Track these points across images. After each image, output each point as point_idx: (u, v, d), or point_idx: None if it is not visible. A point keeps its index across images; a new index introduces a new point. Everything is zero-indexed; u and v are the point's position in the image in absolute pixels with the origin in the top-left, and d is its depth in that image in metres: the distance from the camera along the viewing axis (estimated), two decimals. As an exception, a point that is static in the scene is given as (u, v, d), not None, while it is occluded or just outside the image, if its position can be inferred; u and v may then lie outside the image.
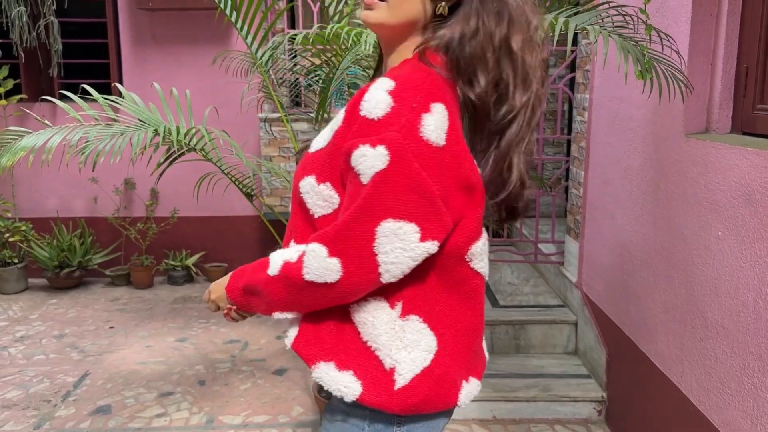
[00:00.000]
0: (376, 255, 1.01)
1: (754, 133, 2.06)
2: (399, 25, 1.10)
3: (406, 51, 1.12)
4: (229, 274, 1.20)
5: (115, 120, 2.04)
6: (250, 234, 4.99)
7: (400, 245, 1.00)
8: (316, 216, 1.10)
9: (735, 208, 1.93)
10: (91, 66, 4.93)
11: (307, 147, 1.17)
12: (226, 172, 2.32)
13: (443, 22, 1.09)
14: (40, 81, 4.91)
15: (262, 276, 1.12)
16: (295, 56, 3.24)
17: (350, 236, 1.01)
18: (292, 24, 4.79)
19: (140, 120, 2.06)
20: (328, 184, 1.08)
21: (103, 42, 4.82)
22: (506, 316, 3.34)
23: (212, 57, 3.75)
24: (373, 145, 0.99)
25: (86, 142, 1.90)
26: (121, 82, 4.86)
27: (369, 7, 1.10)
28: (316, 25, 2.18)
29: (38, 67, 4.81)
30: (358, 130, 1.01)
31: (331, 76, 2.49)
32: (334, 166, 1.06)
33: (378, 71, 1.26)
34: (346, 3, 2.31)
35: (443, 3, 1.08)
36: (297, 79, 3.50)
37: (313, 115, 2.79)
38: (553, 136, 3.84)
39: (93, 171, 1.99)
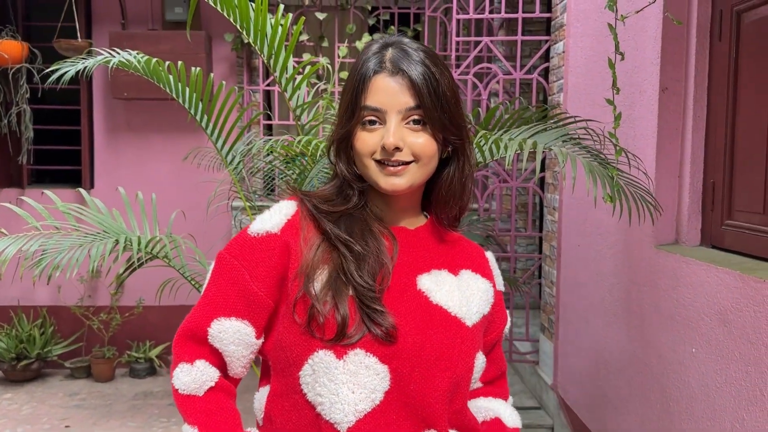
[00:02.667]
0: None
1: (724, 248, 2.07)
2: (424, 180, 1.07)
3: (419, 198, 1.12)
4: None
5: (76, 229, 1.98)
6: (218, 324, 4.84)
7: None
8: (472, 389, 1.15)
9: (708, 325, 1.91)
10: (63, 152, 4.89)
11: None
12: (189, 278, 2.25)
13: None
14: (9, 167, 4.84)
15: None
16: (270, 153, 3.25)
17: None
18: (269, 110, 4.84)
19: (103, 229, 2.00)
20: (483, 354, 1.15)
21: (76, 129, 4.80)
22: (480, 420, 3.22)
23: (187, 146, 3.74)
24: None
25: (42, 253, 1.82)
26: (92, 169, 4.82)
27: (394, 175, 1.01)
28: (283, 137, 2.17)
29: (8, 153, 4.76)
30: (502, 299, 1.20)
31: (303, 177, 2.48)
32: (483, 336, 1.14)
33: (366, 207, 1.10)
34: (317, 113, 2.32)
35: (448, 149, 1.08)
36: (272, 168, 3.49)
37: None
38: (524, 233, 3.85)
39: (48, 284, 1.91)
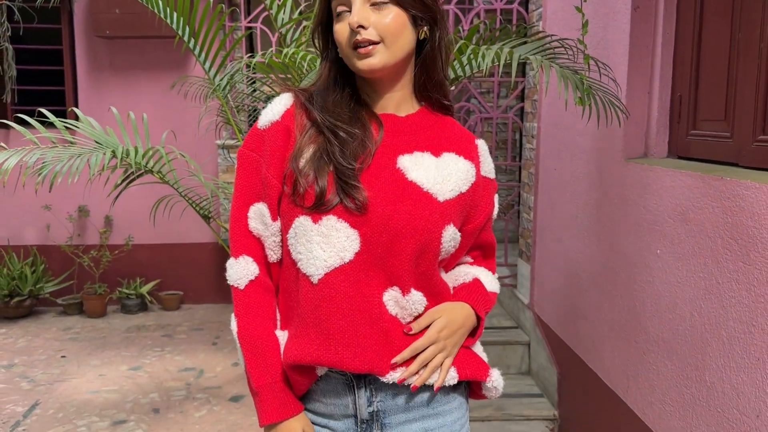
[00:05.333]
0: None
1: (689, 157, 2.20)
2: (399, 61, 1.15)
3: (407, 85, 1.21)
4: (460, 306, 1.22)
5: (71, 143, 2.06)
6: (205, 261, 4.97)
7: None
8: (440, 258, 1.19)
9: (671, 227, 2.05)
10: (46, 93, 4.90)
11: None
12: (183, 194, 2.34)
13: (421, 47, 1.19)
14: (-7, 107, 4.85)
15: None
16: (254, 82, 3.30)
17: None
18: (251, 51, 4.85)
19: (97, 143, 2.08)
20: (456, 228, 1.20)
21: (59, 69, 4.80)
22: (461, 339, 3.40)
23: (170, 83, 3.78)
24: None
25: (43, 163, 1.91)
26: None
27: (366, 55, 1.10)
28: (270, 49, 2.23)
29: (-9, 93, 4.76)
30: (491, 187, 1.29)
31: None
32: (462, 213, 1.21)
33: (358, 102, 1.21)
34: (303, 31, 2.38)
35: (425, 28, 1.17)
36: (256, 106, 3.55)
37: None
38: (504, 163, 3.97)
39: (50, 191, 2.00)
